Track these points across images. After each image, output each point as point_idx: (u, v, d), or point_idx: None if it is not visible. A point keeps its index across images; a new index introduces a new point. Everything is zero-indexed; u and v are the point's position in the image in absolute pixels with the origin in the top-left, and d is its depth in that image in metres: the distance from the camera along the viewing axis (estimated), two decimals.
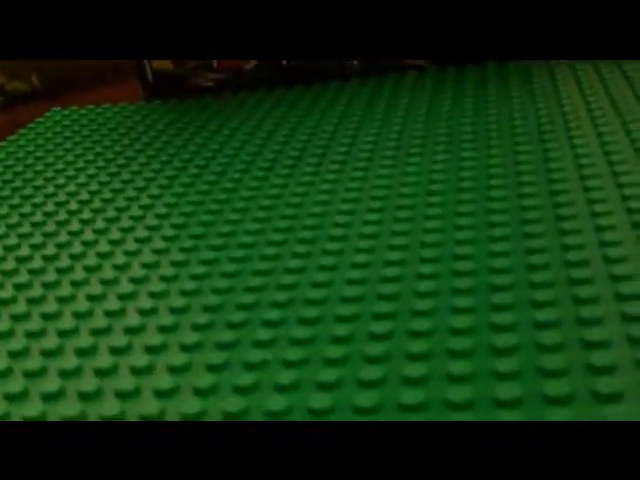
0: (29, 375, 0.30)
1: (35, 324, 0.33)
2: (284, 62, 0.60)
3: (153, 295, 0.34)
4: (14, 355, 0.31)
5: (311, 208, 0.40)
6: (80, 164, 0.51)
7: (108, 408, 0.27)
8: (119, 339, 0.31)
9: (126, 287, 0.35)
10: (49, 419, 0.27)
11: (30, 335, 0.33)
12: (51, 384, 0.29)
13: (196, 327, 0.31)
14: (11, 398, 0.29)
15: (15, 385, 0.29)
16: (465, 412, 0.25)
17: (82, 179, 0.48)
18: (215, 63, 0.61)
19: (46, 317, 0.34)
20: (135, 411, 0.27)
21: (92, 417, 0.27)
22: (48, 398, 0.29)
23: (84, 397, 0.28)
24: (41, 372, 0.30)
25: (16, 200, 0.46)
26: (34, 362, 0.30)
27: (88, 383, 0.29)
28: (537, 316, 0.29)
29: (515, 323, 0.28)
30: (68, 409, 0.28)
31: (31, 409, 0.28)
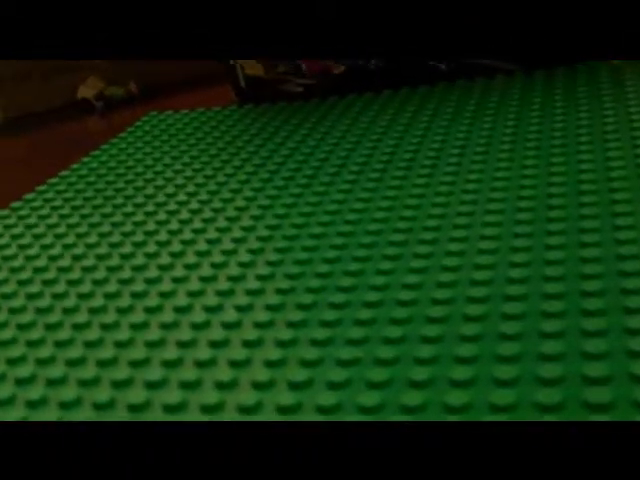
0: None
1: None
2: (372, 67, 0.61)
3: (250, 292, 0.36)
4: (120, 345, 0.33)
5: (402, 212, 0.41)
6: (177, 166, 0.53)
7: (208, 397, 0.29)
8: (218, 333, 0.33)
9: (223, 284, 0.37)
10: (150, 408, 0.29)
11: (135, 327, 0.35)
12: (155, 373, 0.31)
13: (291, 324, 0.33)
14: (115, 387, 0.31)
15: (121, 373, 0.31)
16: (552, 414, 0.26)
17: (180, 181, 0.50)
18: (304, 68, 0.63)
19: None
20: (234, 401, 0.29)
21: (193, 406, 0.29)
22: (152, 386, 0.30)
23: (185, 386, 0.30)
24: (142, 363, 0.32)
25: (119, 200, 0.49)
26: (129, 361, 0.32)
27: (189, 373, 0.30)
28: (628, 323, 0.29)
29: (606, 329, 0.29)
30: (170, 397, 0.29)
31: (136, 396, 0.30)
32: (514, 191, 0.41)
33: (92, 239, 0.44)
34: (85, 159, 0.57)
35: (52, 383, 0.31)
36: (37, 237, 0.45)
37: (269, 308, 0.34)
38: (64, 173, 0.55)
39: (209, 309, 0.35)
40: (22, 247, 0.44)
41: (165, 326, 0.34)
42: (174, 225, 0.44)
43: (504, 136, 0.48)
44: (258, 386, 0.29)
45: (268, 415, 0.28)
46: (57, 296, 0.38)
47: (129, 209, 0.47)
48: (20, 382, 0.32)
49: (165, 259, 0.40)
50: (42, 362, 0.33)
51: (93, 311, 0.36)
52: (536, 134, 0.48)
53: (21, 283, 0.40)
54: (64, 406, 0.30)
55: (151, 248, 0.42)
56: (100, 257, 0.42)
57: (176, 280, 0.38)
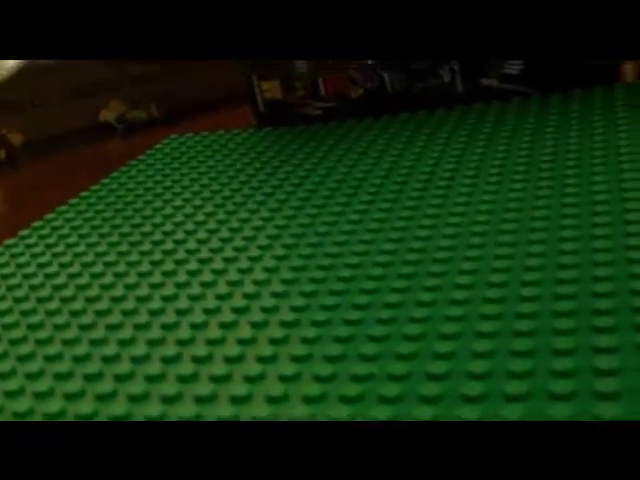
0: (151, 379, 0.32)
1: (156, 333, 0.35)
2: (390, 90, 0.62)
3: (265, 310, 0.36)
4: (136, 360, 0.34)
5: (416, 232, 0.41)
6: (196, 187, 0.54)
7: (223, 410, 0.29)
8: (233, 349, 0.33)
9: (239, 301, 0.37)
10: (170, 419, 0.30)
11: (151, 343, 0.35)
12: (170, 388, 0.31)
13: (305, 340, 0.33)
14: (133, 399, 0.31)
15: (137, 387, 0.31)
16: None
17: (198, 202, 0.51)
18: (323, 92, 0.64)
19: (166, 327, 0.36)
20: (248, 414, 0.29)
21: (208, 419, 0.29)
22: (168, 400, 0.31)
23: (200, 400, 0.30)
24: (161, 376, 0.32)
25: (137, 220, 0.49)
26: (155, 367, 0.33)
27: (204, 387, 0.31)
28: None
29: (618, 346, 0.29)
30: (185, 411, 0.30)
31: (153, 410, 0.30)
32: (527, 212, 0.41)
33: (111, 258, 0.44)
34: (105, 180, 0.58)
35: (69, 397, 0.32)
36: (56, 255, 0.46)
37: (284, 324, 0.35)
38: (84, 194, 0.56)
39: (225, 325, 0.35)
40: (41, 265, 0.45)
41: (181, 342, 0.35)
42: (192, 245, 0.45)
43: (519, 158, 0.49)
44: (272, 400, 0.30)
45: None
46: (74, 313, 0.39)
47: (147, 229, 0.48)
48: (38, 396, 0.32)
49: (182, 277, 0.41)
50: (59, 376, 0.33)
51: (110, 327, 0.37)
52: (551, 156, 0.48)
53: (40, 300, 0.40)
54: (80, 418, 0.30)
55: (169, 266, 0.42)
56: (118, 275, 0.42)
57: (192, 298, 0.38)
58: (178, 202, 0.51)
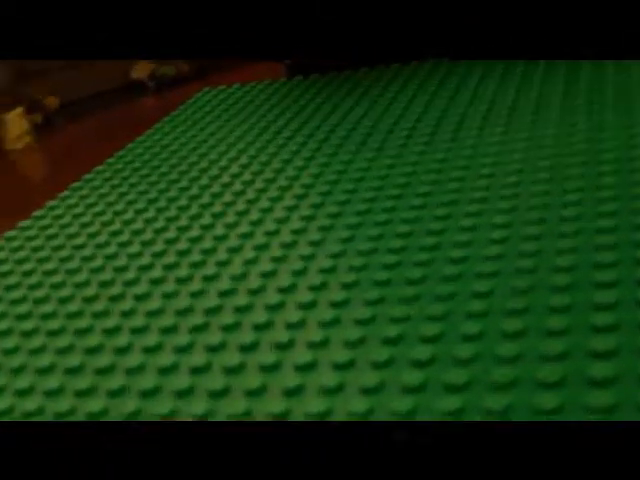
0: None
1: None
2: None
3: (303, 258, 0.37)
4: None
5: (447, 184, 0.41)
6: (231, 139, 0.54)
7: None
8: (273, 297, 0.34)
9: (277, 251, 0.38)
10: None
11: (193, 295, 0.36)
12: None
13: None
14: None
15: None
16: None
17: (233, 154, 0.51)
18: None
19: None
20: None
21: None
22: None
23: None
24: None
25: (174, 176, 0.50)
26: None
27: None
28: None
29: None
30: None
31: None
32: (561, 158, 0.41)
33: (150, 214, 0.45)
34: (140, 138, 0.59)
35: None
36: (97, 215, 0.47)
37: (322, 271, 0.35)
38: (121, 153, 0.56)
39: (264, 274, 0.36)
40: (84, 225, 0.46)
41: (222, 294, 0.35)
42: (228, 197, 0.45)
43: (552, 102, 0.48)
44: (312, 345, 0.30)
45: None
46: (118, 269, 0.39)
47: (184, 184, 0.48)
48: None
49: (220, 230, 0.41)
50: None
51: (153, 281, 0.38)
52: (587, 95, 0.47)
53: (84, 259, 0.41)
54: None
55: (206, 220, 0.43)
56: (157, 231, 0.43)
57: (231, 250, 0.39)
58: (213, 156, 0.52)
